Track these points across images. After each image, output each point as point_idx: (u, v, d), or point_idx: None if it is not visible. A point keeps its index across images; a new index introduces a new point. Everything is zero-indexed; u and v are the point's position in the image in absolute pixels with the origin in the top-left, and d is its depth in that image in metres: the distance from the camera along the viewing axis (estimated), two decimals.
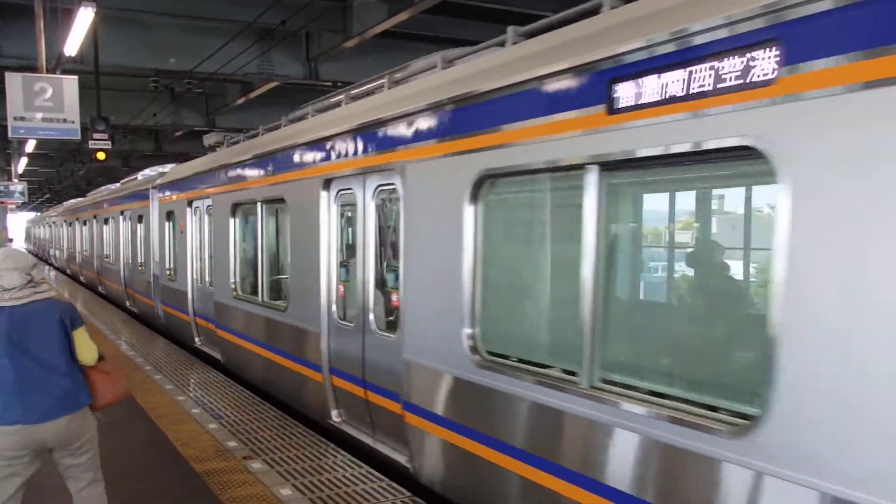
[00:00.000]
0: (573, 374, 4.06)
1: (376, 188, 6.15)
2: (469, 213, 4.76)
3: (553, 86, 4.06)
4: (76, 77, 9.09)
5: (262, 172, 8.53)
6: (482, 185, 4.70)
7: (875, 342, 2.62)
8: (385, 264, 6.38)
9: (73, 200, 35.19)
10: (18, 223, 65.40)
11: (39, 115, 8.83)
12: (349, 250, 6.87)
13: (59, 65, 12.25)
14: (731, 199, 4.23)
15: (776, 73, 2.91)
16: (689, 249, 4.55)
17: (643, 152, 3.48)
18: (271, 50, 16.97)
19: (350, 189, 6.52)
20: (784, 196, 2.90)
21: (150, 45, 16.61)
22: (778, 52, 2.91)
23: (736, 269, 4.10)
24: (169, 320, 13.13)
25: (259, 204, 8.61)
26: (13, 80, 8.79)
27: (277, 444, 6.44)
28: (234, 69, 16.32)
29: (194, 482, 5.54)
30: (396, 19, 14.47)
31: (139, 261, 15.42)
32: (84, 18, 9.60)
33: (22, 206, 43.16)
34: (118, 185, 21.42)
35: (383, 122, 5.82)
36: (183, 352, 11.30)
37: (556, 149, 4.00)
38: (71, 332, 3.99)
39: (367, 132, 6.09)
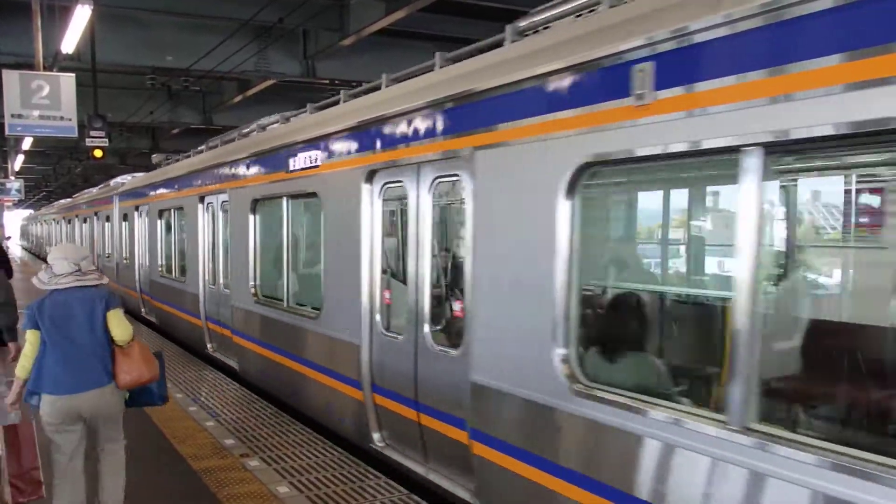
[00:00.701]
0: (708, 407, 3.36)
1: (434, 180, 5.32)
2: (564, 209, 3.93)
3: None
4: (73, 75, 9.08)
5: (260, 170, 8.41)
6: (582, 175, 3.88)
7: None
8: (444, 268, 5.70)
9: (60, 201, 36.96)
10: (14, 221, 65.29)
11: (36, 113, 8.82)
12: (398, 252, 6.28)
13: (56, 62, 12.24)
14: None
15: None
16: None
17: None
18: (268, 48, 16.96)
19: (400, 182, 5.69)
20: None
21: (147, 42, 16.59)
22: None
23: None
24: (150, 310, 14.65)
25: (286, 199, 7.86)
26: (10, 78, 8.78)
27: (275, 442, 6.45)
28: (231, 67, 16.29)
29: (192, 480, 5.55)
30: (394, 17, 14.47)
31: (106, 252, 18.74)
32: (81, 16, 9.59)
33: (18, 204, 43.05)
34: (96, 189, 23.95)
35: (441, 104, 5.00)
36: (175, 346, 11.29)
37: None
38: (106, 312, 4.46)
39: (425, 113, 5.21)
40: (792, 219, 3.89)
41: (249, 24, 15.38)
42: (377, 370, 5.95)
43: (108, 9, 14.83)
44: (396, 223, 6.25)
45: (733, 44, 3.02)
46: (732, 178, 3.07)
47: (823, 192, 4.14)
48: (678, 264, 4.42)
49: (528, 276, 4.18)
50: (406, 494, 5.24)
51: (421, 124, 5.26)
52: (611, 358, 4.23)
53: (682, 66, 3.26)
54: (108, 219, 18.42)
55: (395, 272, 6.12)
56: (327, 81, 20.22)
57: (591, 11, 4.19)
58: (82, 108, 9.57)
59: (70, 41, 10.45)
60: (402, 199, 5.83)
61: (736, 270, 3.08)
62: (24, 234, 63.49)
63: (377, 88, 6.53)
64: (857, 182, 4.11)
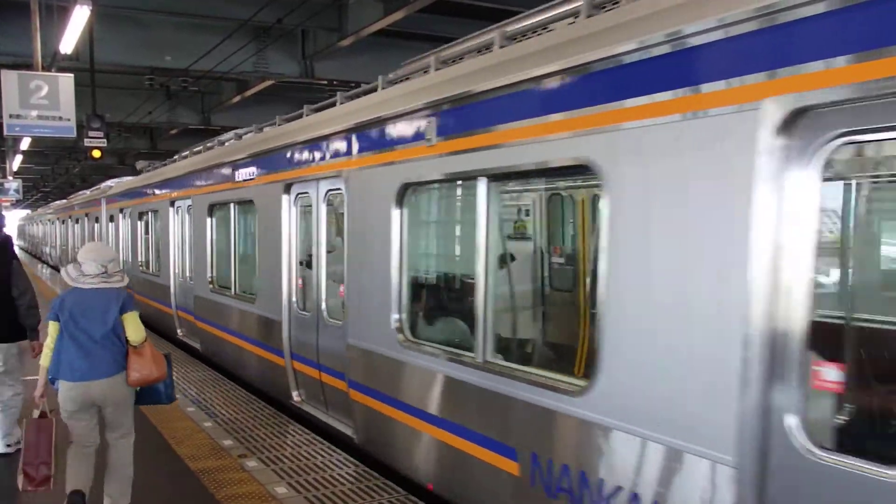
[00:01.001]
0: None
1: (327, 192, 6.94)
2: (396, 215, 5.56)
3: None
4: (72, 75, 9.07)
5: (204, 182, 10.38)
6: (406, 192, 5.55)
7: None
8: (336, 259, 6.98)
9: (56, 203, 39.81)
10: (12, 221, 65.07)
11: (35, 113, 8.80)
12: (307, 247, 7.53)
13: (55, 62, 12.24)
14: None
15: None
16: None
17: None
18: (267, 48, 16.96)
19: (307, 192, 7.32)
20: None
21: (146, 42, 16.59)
22: None
23: None
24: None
25: (233, 204, 9.58)
26: (9, 78, 8.76)
27: (273, 443, 6.46)
28: (230, 67, 16.30)
29: (190, 480, 5.56)
30: (392, 18, 14.48)
31: None
32: (80, 16, 9.58)
33: (16, 204, 43.03)
34: (88, 192, 25.54)
35: (328, 136, 6.71)
36: (173, 346, 11.31)
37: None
38: (122, 314, 4.82)
39: (321, 142, 6.89)
40: (503, 223, 5.54)
41: (248, 25, 15.38)
42: (294, 341, 7.55)
43: (106, 9, 14.82)
44: (306, 224, 7.52)
45: (466, 111, 4.77)
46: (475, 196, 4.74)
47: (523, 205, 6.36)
48: (463, 254, 5.94)
49: (378, 263, 5.76)
50: (404, 495, 5.26)
51: (318, 151, 6.92)
52: (428, 321, 5.99)
53: (446, 122, 4.96)
54: (97, 220, 20.02)
55: (307, 263, 7.48)
56: (326, 82, 20.21)
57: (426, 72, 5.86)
58: (81, 108, 9.55)
59: (69, 41, 10.44)
60: (308, 205, 7.31)
61: (476, 259, 4.75)
62: (22, 234, 63.33)
63: (300, 116, 8.09)
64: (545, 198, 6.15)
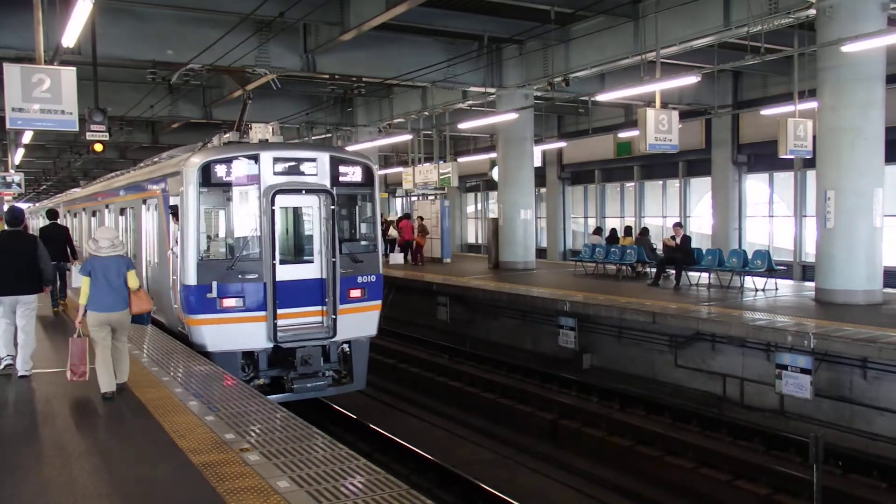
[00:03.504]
0: None
1: (128, 209, 14.39)
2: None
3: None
4: (74, 68, 9.03)
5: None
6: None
7: None
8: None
9: (35, 205, 49.22)
10: None
11: (37, 107, 8.77)
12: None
13: (57, 56, 12.23)
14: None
15: None
16: None
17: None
18: (269, 42, 16.91)
19: (125, 208, 14.62)
20: None
21: (148, 36, 16.56)
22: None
23: None
24: None
25: (119, 208, 15.93)
26: (11, 71, 8.73)
27: (275, 437, 6.46)
28: (232, 61, 16.25)
29: (191, 474, 5.56)
30: (394, 12, 14.42)
31: None
32: (82, 9, 9.57)
33: (18, 198, 43.06)
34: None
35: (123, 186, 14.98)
36: (179, 343, 11.31)
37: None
38: (127, 271, 7.89)
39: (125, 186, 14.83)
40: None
41: (250, 19, 15.34)
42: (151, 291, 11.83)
43: (108, 2, 14.79)
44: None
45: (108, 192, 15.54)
46: None
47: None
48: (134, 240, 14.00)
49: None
50: (406, 490, 5.26)
51: (121, 191, 15.01)
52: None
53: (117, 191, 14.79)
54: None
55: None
56: (327, 76, 20.14)
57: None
58: (83, 102, 9.53)
59: (71, 35, 10.44)
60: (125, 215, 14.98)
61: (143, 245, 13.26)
62: None
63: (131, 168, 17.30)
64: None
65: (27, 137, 25.03)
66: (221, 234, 10.63)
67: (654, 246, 19.72)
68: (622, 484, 9.88)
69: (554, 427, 11.89)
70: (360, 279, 11.07)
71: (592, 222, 30.39)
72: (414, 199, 30.48)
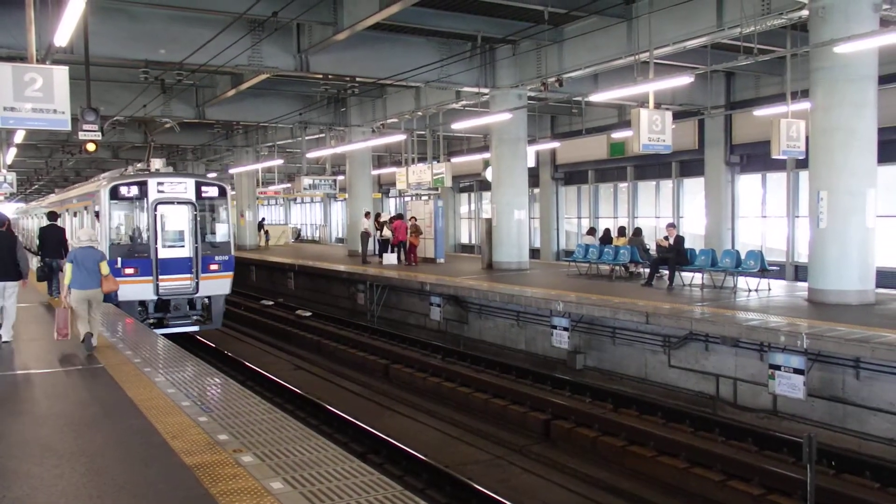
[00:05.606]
0: None
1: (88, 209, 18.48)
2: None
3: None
4: (66, 68, 8.99)
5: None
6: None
7: None
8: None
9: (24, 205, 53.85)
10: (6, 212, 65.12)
11: (29, 106, 8.72)
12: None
13: (49, 55, 12.17)
14: None
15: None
16: None
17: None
18: (262, 41, 16.87)
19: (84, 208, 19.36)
20: None
21: (141, 35, 16.50)
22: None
23: None
24: None
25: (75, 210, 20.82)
26: (3, 70, 8.68)
27: (269, 438, 6.44)
28: (225, 61, 16.21)
29: (184, 475, 5.54)
30: (388, 12, 14.40)
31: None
32: (75, 8, 9.53)
33: (10, 198, 42.88)
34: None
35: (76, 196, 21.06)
36: (174, 344, 11.28)
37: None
38: (100, 262, 10.26)
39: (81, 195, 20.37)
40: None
41: (243, 18, 15.31)
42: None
43: (101, 1, 14.73)
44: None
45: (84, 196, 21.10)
46: None
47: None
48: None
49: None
50: (400, 491, 5.25)
51: (74, 199, 21.30)
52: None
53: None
54: (38, 217, 31.00)
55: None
56: (321, 76, 20.10)
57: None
58: (75, 101, 9.50)
59: (63, 34, 10.39)
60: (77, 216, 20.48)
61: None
62: None
63: (88, 179, 22.83)
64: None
65: (19, 137, 24.94)
66: (124, 229, 16.75)
67: (648, 246, 19.77)
68: (615, 484, 9.88)
69: (547, 427, 11.89)
70: (217, 258, 16.90)
71: (586, 222, 30.41)
72: (407, 199, 30.47)
